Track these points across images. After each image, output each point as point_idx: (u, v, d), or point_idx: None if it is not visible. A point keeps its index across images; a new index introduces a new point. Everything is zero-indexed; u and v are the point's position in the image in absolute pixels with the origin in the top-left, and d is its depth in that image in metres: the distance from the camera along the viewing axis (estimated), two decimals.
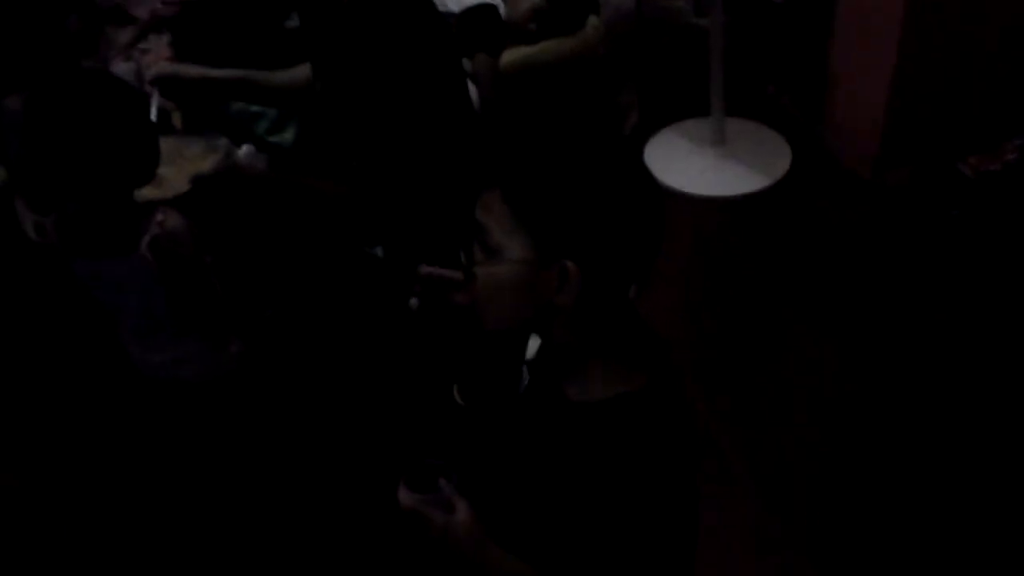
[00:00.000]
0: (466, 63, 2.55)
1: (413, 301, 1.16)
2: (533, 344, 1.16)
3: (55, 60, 2.03)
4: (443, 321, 1.14)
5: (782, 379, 2.39)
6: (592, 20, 2.79)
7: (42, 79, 1.91)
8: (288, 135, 2.18)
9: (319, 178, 1.77)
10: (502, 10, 2.75)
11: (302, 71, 1.82)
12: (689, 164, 2.98)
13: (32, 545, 2.12)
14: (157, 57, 2.70)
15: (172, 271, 1.63)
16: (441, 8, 2.51)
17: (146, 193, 1.68)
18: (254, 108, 2.13)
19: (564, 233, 0.94)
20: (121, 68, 2.64)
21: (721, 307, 2.62)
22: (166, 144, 1.68)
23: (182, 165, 1.87)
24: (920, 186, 2.85)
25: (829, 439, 2.24)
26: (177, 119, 2.19)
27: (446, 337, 1.22)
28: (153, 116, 1.81)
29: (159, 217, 1.63)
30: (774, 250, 2.77)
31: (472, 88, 2.38)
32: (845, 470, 2.17)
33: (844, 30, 2.89)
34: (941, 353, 2.40)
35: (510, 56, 2.69)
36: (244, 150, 1.99)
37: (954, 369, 2.35)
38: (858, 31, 2.82)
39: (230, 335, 1.80)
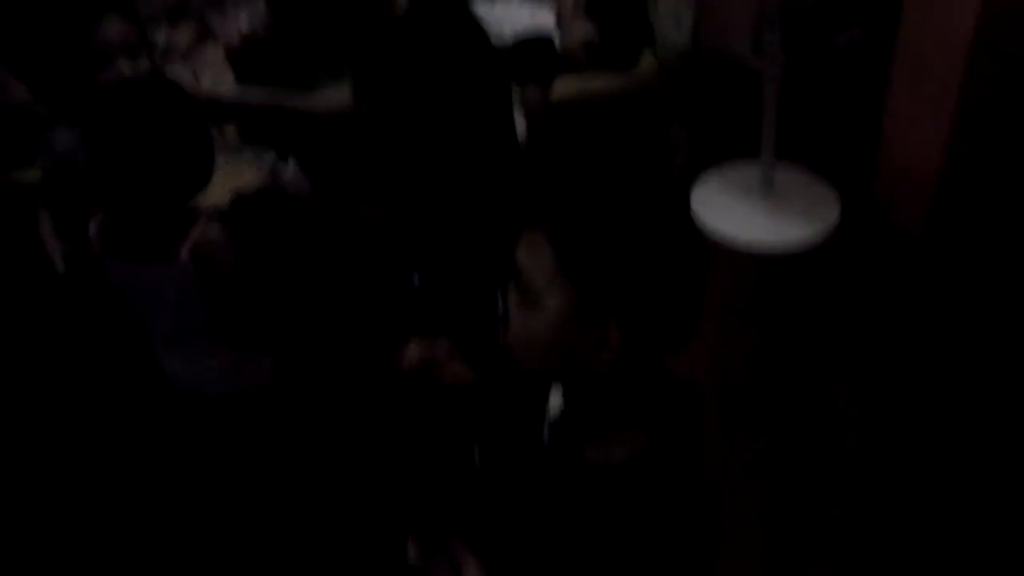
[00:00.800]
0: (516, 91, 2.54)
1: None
2: (554, 400, 1.14)
3: (87, 67, 2.05)
4: (439, 397, 1.13)
5: (817, 438, 2.33)
6: (647, 56, 2.77)
7: (104, 86, 1.95)
8: None
9: (359, 200, 1.77)
10: (555, 39, 2.74)
11: (337, 95, 1.82)
12: (736, 210, 2.94)
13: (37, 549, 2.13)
14: (213, 63, 2.73)
15: (211, 280, 1.64)
16: (497, 36, 2.52)
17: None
18: None
19: (608, 287, 0.92)
20: (178, 72, 2.67)
21: (757, 360, 2.57)
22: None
23: (227, 177, 1.88)
24: (973, 247, 2.78)
25: (861, 501, 2.18)
26: (231, 132, 2.21)
27: (449, 407, 1.20)
28: None
29: (199, 226, 1.64)
30: (817, 304, 2.72)
31: (519, 118, 2.37)
32: (876, 534, 2.11)
33: (902, 80, 2.83)
34: (987, 420, 2.32)
35: (561, 87, 2.68)
36: (290, 167, 1.99)
37: (1000, 438, 2.27)
38: (916, 82, 2.76)
39: (262, 350, 1.81)
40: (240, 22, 2.45)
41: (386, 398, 1.70)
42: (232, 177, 1.91)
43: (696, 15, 2.94)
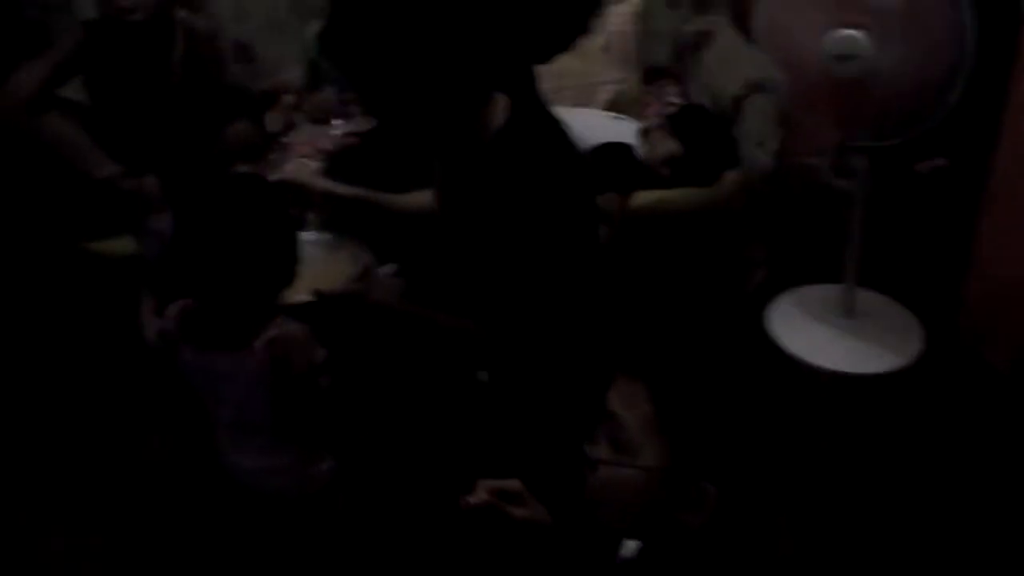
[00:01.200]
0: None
1: None
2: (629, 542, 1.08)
3: (212, 164, 2.14)
4: (507, 533, 1.09)
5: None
6: (730, 175, 2.76)
7: (203, 184, 2.01)
8: None
9: (445, 311, 1.73)
10: (638, 151, 2.76)
11: (423, 197, 1.82)
12: (814, 333, 2.86)
13: None
14: (299, 151, 2.82)
15: (283, 376, 1.64)
16: (583, 145, 2.53)
17: None
18: None
19: (707, 444, 0.88)
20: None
21: (829, 494, 2.45)
22: (313, 246, 1.69)
23: (318, 271, 1.87)
24: None
25: None
26: (313, 219, 2.22)
27: (517, 545, 1.16)
28: None
29: (278, 321, 1.65)
30: (894, 437, 2.60)
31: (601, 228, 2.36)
32: None
33: (995, 210, 2.75)
34: None
35: (642, 198, 2.68)
36: (385, 270, 1.96)
37: None
38: (1012, 213, 2.68)
39: (324, 451, 1.78)
40: (336, 129, 2.54)
41: (450, 522, 1.65)
42: (326, 273, 1.89)
43: (781, 135, 2.94)
